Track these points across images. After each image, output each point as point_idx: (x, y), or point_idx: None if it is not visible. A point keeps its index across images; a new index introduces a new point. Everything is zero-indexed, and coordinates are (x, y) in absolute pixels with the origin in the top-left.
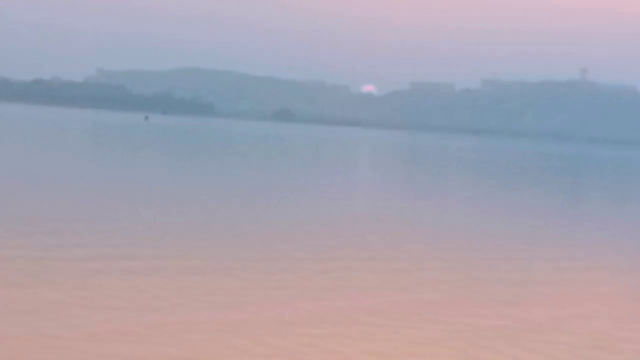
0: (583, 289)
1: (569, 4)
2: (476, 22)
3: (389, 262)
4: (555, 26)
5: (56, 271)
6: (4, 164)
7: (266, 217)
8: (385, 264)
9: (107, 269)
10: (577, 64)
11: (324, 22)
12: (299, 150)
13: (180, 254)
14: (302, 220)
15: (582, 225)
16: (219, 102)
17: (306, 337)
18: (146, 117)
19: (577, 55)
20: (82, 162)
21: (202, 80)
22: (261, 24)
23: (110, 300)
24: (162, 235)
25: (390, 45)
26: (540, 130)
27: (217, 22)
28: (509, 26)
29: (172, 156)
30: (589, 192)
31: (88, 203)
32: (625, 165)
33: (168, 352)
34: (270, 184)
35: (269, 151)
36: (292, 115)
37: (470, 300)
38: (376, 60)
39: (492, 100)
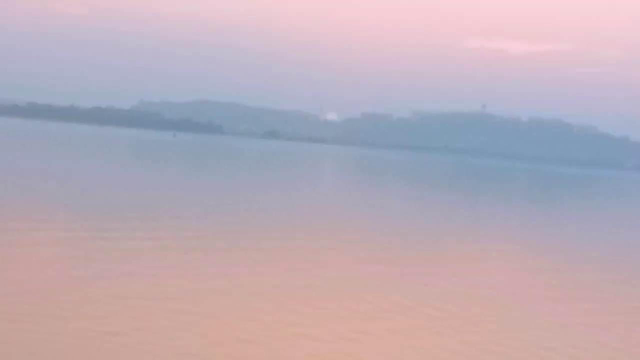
0: (481, 265)
1: (472, 55)
2: (406, 63)
3: (334, 243)
4: (463, 69)
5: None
6: (80, 169)
7: (248, 207)
8: (331, 244)
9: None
10: (479, 100)
11: (299, 60)
12: (284, 160)
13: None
14: (271, 211)
15: (482, 217)
16: (226, 124)
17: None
18: (174, 135)
19: (479, 93)
20: (132, 168)
21: (214, 109)
22: (256, 65)
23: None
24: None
25: (345, 82)
26: (454, 146)
27: (223, 64)
28: (429, 68)
29: (193, 162)
30: (487, 193)
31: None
32: (511, 173)
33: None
34: (262, 182)
35: (261, 159)
36: (278, 134)
37: (397, 274)
38: (336, 94)
39: (419, 126)
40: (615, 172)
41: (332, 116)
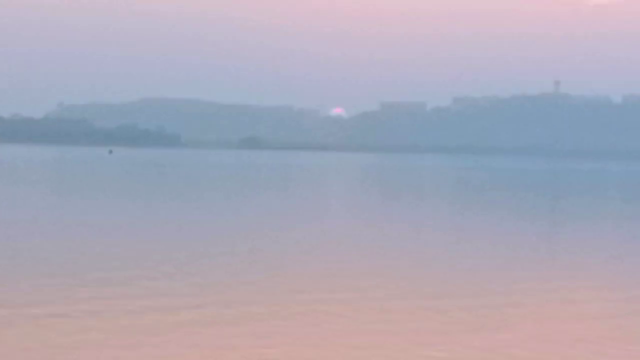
0: (565, 310)
1: (537, 11)
2: (444, 35)
3: (369, 292)
4: (526, 36)
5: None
6: None
7: (241, 249)
8: (364, 295)
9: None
10: (550, 76)
11: (288, 43)
12: (266, 179)
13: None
14: (277, 251)
15: (562, 245)
16: (185, 132)
17: None
18: (110, 151)
19: (550, 68)
20: (44, 200)
21: (167, 111)
22: (224, 50)
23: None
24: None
25: (358, 65)
26: (515, 145)
27: (179, 50)
28: (478, 38)
29: (138, 193)
30: (566, 209)
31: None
32: (602, 177)
33: None
34: (243, 215)
35: (236, 181)
36: (260, 142)
37: (457, 328)
38: (344, 81)
39: (464, 118)
40: None
41: (338, 111)
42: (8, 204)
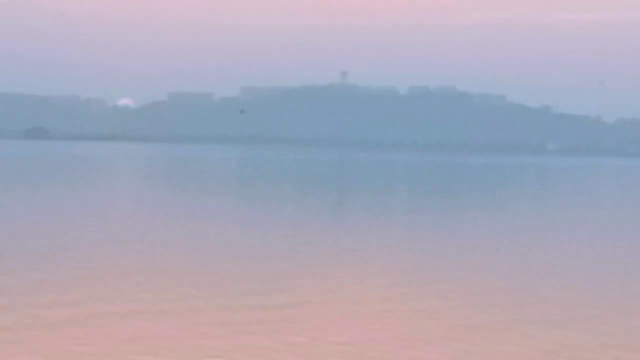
0: (345, 309)
1: (325, 1)
2: (233, 24)
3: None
4: (313, 27)
5: None
6: None
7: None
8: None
9: None
10: (337, 66)
11: (72, 29)
12: (49, 170)
13: None
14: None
15: (347, 240)
16: None
17: None
18: None
19: (336, 57)
20: None
21: None
22: (8, 34)
23: None
24: None
25: (146, 54)
26: (303, 136)
27: None
28: (266, 28)
29: None
30: (350, 198)
31: None
32: (388, 168)
33: None
34: (30, 208)
35: (17, 172)
36: (46, 132)
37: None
38: (132, 71)
39: (252, 108)
40: (534, 159)
41: (125, 101)
42: None
